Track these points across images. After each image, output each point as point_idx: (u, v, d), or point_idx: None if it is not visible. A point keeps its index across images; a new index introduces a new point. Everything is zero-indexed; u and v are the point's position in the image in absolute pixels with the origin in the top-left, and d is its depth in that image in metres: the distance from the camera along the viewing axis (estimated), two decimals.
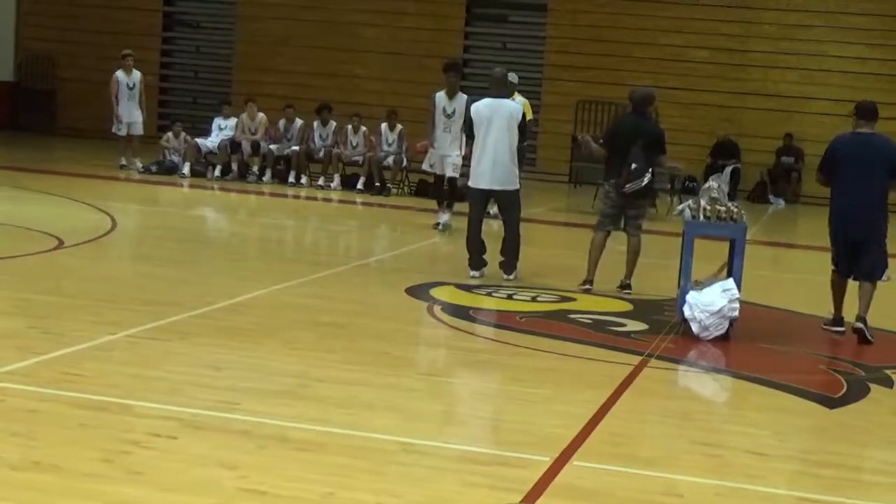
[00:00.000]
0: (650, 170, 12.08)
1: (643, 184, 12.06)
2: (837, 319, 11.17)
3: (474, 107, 12.82)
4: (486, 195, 12.82)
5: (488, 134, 12.57)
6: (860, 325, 10.69)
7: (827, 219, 11.16)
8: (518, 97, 16.18)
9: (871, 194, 10.81)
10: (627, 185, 12.07)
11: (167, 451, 6.32)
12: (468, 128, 12.92)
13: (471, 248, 12.78)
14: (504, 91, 12.99)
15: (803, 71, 25.84)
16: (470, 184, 12.85)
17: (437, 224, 16.34)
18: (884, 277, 10.91)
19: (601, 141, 13.04)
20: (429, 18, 27.37)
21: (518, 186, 12.81)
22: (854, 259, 10.93)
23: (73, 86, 28.73)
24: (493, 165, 12.57)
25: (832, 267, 11.23)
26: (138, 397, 7.26)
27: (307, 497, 5.78)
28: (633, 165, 12.01)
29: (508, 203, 12.81)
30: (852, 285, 11.14)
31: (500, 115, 12.58)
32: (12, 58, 29.67)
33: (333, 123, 21.94)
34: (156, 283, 11.35)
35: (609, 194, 12.42)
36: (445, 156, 16.22)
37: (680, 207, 11.42)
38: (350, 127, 21.68)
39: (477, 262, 12.76)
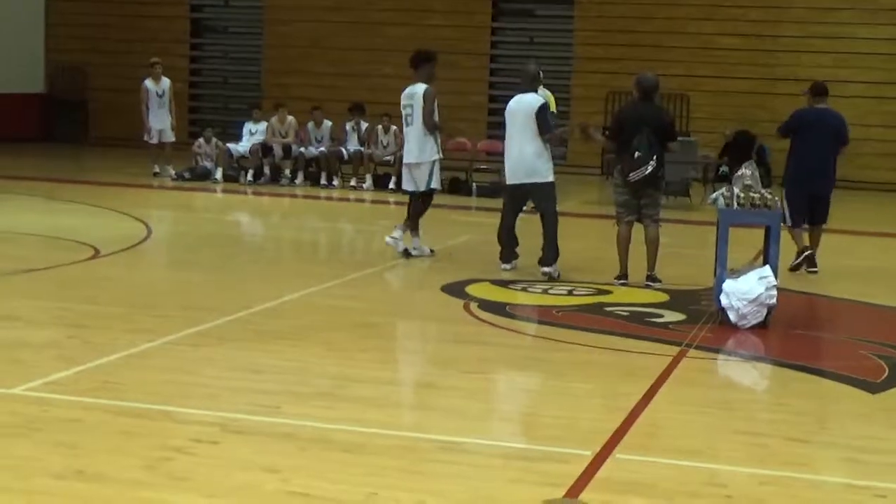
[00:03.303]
0: (654, 157, 11.97)
1: (647, 172, 11.94)
2: (802, 251, 13.52)
3: (507, 104, 12.95)
4: (516, 190, 12.81)
5: (509, 129, 12.76)
6: (812, 253, 13.51)
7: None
8: (541, 90, 16.11)
9: (830, 157, 13.42)
10: (631, 174, 12.00)
11: (209, 457, 6.35)
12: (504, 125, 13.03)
13: (501, 240, 12.87)
14: (530, 86, 12.95)
15: (834, 54, 25.65)
16: (505, 180, 13.01)
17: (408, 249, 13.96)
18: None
19: (606, 132, 13.01)
20: (456, 15, 27.36)
21: (549, 179, 12.71)
22: (813, 208, 13.40)
23: (103, 95, 28.87)
24: (517, 159, 12.65)
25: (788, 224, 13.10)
26: (179, 403, 7.29)
27: (350, 499, 5.79)
28: (637, 154, 11.93)
29: (540, 196, 12.76)
30: None
31: (522, 109, 12.67)
32: (42, 70, 29.85)
33: (366, 123, 21.98)
34: (192, 290, 11.41)
35: (618, 184, 12.37)
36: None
37: (714, 196, 11.37)
38: (380, 127, 21.71)
39: (507, 254, 12.81)
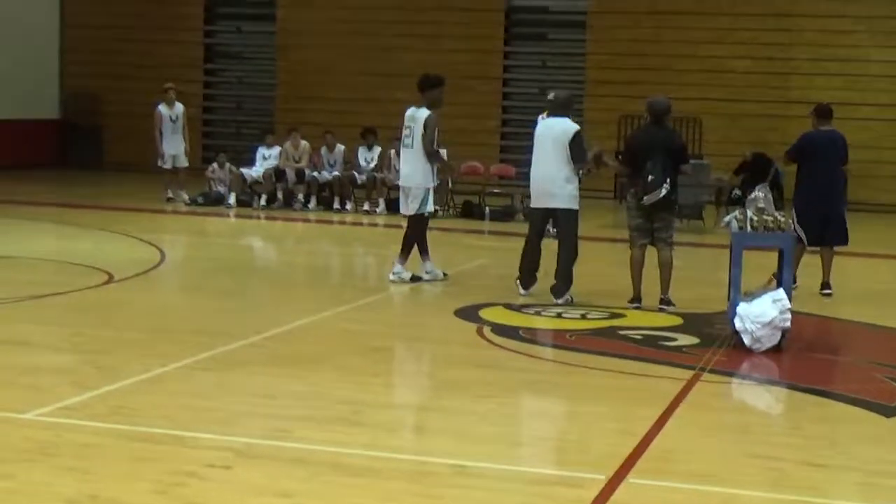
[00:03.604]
0: (668, 180, 11.95)
1: (661, 195, 11.91)
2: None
3: (537, 126, 12.95)
4: (541, 213, 12.76)
5: (539, 153, 12.68)
6: (828, 290, 13.54)
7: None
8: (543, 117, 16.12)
9: (839, 178, 13.62)
10: (645, 198, 11.97)
11: (222, 482, 6.33)
12: (530, 148, 12.99)
13: (522, 264, 12.78)
14: (562, 112, 12.80)
15: (847, 77, 25.63)
16: (531, 204, 13.01)
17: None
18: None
19: (619, 157, 12.98)
20: (468, 40, 27.40)
21: (573, 207, 12.60)
22: (823, 229, 13.38)
23: (118, 121, 28.97)
24: (543, 183, 12.59)
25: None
26: (192, 428, 7.29)
27: None
28: (650, 177, 11.90)
29: (561, 222, 12.68)
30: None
31: (553, 134, 12.56)
32: (57, 95, 29.98)
33: (378, 148, 22.02)
34: (206, 314, 11.41)
35: (631, 207, 12.33)
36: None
37: (727, 219, 11.35)
38: (393, 151, 21.71)
39: (527, 280, 12.71)
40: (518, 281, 12.78)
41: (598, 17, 27.09)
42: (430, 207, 13.66)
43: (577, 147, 12.49)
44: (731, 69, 26.02)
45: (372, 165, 21.83)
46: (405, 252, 13.45)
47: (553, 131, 12.61)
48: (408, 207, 13.51)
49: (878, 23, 25.71)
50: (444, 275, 13.66)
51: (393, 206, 21.14)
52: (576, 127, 12.63)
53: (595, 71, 26.76)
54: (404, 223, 13.66)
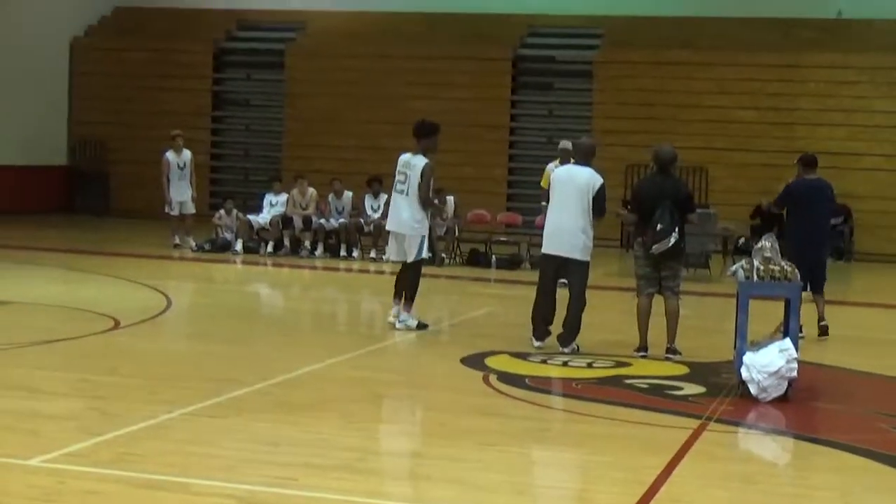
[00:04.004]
0: (676, 229, 11.94)
1: (670, 244, 11.88)
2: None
3: (555, 172, 12.89)
4: (555, 262, 12.53)
5: (561, 200, 12.44)
6: (825, 323, 13.95)
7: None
8: (549, 165, 16.18)
9: (826, 226, 14.17)
10: (654, 246, 11.94)
11: None
12: (547, 194, 12.88)
13: (535, 315, 12.54)
14: (585, 160, 12.62)
15: (851, 127, 25.70)
16: (542, 250, 12.69)
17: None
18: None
19: (628, 206, 12.94)
20: (476, 88, 27.51)
21: (587, 259, 12.49)
22: (814, 276, 13.46)
23: (125, 168, 29.05)
24: (561, 230, 12.39)
25: None
26: (196, 475, 7.25)
27: None
28: (659, 226, 11.88)
29: (573, 273, 12.49)
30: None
31: (577, 182, 12.36)
32: (66, 142, 30.10)
33: (384, 195, 22.03)
34: (212, 361, 11.39)
35: (639, 256, 12.27)
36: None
37: (733, 268, 11.32)
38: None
39: (542, 331, 12.49)
40: (532, 334, 12.54)
41: (604, 66, 27.22)
42: (426, 253, 13.65)
43: (600, 200, 12.37)
44: (737, 119, 26.11)
45: (378, 214, 21.85)
46: (402, 297, 13.42)
47: (577, 180, 12.38)
48: (404, 254, 13.45)
49: (882, 73, 25.82)
50: (424, 326, 13.50)
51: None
52: (601, 179, 12.47)
53: (601, 120, 26.84)
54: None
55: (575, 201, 12.31)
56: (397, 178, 13.48)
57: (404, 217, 13.37)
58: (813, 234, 13.71)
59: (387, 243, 14.16)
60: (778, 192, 14.44)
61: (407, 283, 13.47)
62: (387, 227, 13.72)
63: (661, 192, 12.03)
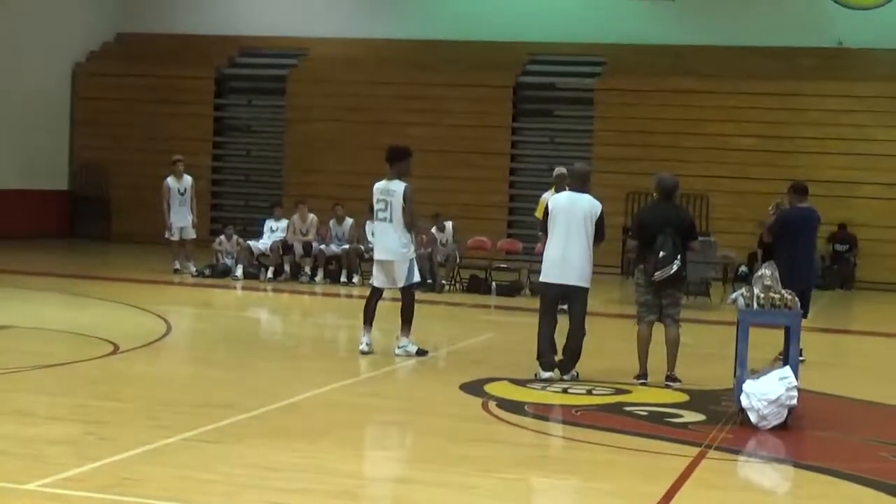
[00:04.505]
0: (678, 257, 11.93)
1: (672, 271, 11.87)
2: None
3: (553, 200, 12.68)
4: (557, 290, 12.44)
5: (565, 228, 12.30)
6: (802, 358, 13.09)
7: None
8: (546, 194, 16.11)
9: (814, 254, 14.52)
10: (656, 274, 11.92)
11: None
12: (543, 222, 12.64)
13: (544, 348, 12.35)
14: (582, 186, 12.57)
15: (851, 156, 25.74)
16: (542, 279, 12.54)
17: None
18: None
19: (629, 233, 12.91)
20: (476, 115, 27.57)
21: (588, 285, 12.44)
22: (802, 303, 12.74)
23: (126, 193, 29.09)
24: (566, 259, 12.27)
25: None
26: (195, 501, 7.22)
27: None
28: (661, 253, 11.87)
29: (575, 300, 12.42)
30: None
31: (580, 210, 12.30)
32: (67, 167, 30.14)
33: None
34: (211, 386, 11.37)
35: (640, 283, 12.25)
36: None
37: (733, 296, 11.31)
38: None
39: (549, 362, 12.33)
40: (540, 365, 12.36)
41: (605, 94, 27.29)
42: (417, 277, 13.64)
43: (602, 225, 12.37)
44: (738, 147, 26.16)
45: None
46: (372, 324, 13.45)
47: (579, 207, 12.32)
48: (393, 281, 13.44)
49: (883, 103, 25.89)
50: (424, 352, 13.45)
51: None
52: (600, 204, 12.47)
53: (602, 147, 26.89)
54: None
55: (579, 229, 12.26)
56: (377, 206, 13.45)
57: (391, 244, 13.35)
58: (802, 261, 13.80)
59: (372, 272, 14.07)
60: (764, 221, 14.52)
61: (403, 311, 13.45)
62: (375, 257, 13.66)
63: (663, 220, 12.03)
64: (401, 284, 13.42)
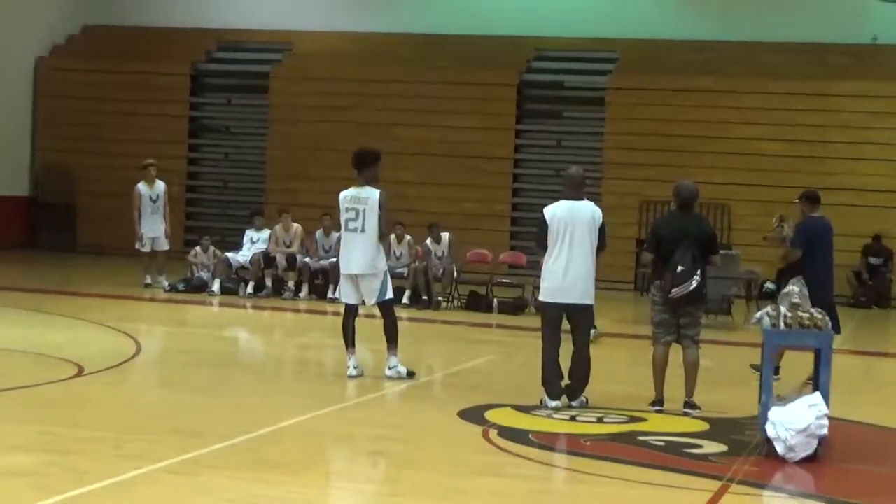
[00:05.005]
0: (698, 272, 11.93)
1: (691, 287, 11.85)
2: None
3: (549, 210, 12.37)
4: (561, 310, 12.31)
5: (568, 241, 12.19)
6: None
7: None
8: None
9: (832, 267, 14.37)
10: (673, 290, 11.90)
11: None
12: (540, 235, 12.42)
13: (550, 373, 12.23)
14: (582, 193, 12.49)
15: (889, 162, 25.77)
16: (544, 298, 12.43)
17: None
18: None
19: (645, 246, 12.90)
20: (477, 116, 27.60)
21: (593, 302, 12.43)
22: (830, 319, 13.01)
23: (93, 200, 29.11)
24: (573, 277, 12.16)
25: None
26: None
27: None
28: (679, 268, 11.86)
29: (581, 320, 12.37)
30: None
31: (581, 220, 12.23)
32: (28, 171, 30.14)
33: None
34: (185, 412, 11.36)
35: (656, 301, 12.23)
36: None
37: (758, 315, 11.31)
38: (393, 236, 21.74)
39: (557, 389, 12.23)
40: (546, 393, 12.28)
41: (618, 93, 27.32)
42: (391, 292, 13.65)
43: (604, 233, 12.38)
44: (763, 152, 26.18)
45: None
46: (355, 346, 13.48)
47: (580, 216, 12.24)
48: (367, 297, 13.48)
49: None
50: (412, 374, 13.47)
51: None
52: (600, 212, 12.49)
53: (614, 152, 26.92)
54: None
55: (582, 240, 12.20)
56: (346, 216, 13.44)
57: (364, 257, 13.36)
58: (825, 276, 13.91)
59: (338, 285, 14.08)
60: (774, 236, 14.61)
61: (386, 330, 13.47)
62: (343, 271, 13.65)
63: (682, 231, 12.03)
64: (371, 301, 13.45)
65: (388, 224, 13.40)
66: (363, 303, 13.62)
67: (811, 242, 14.13)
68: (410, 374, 13.44)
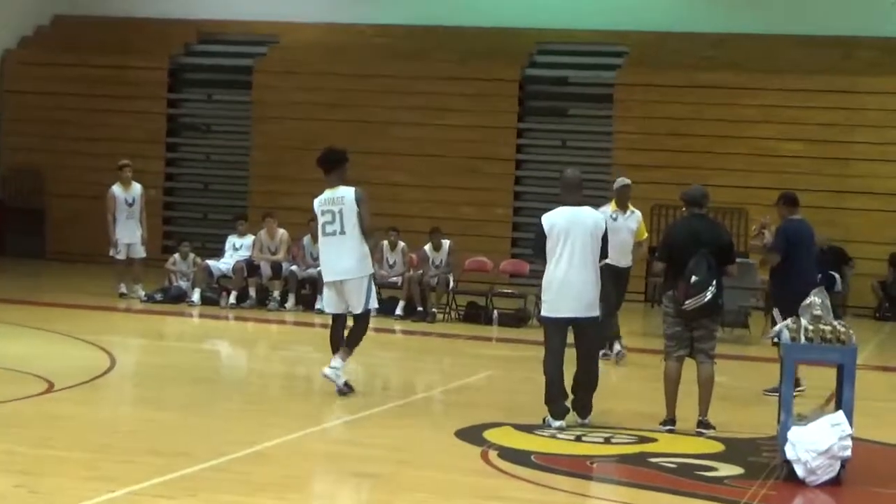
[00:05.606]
0: (714, 282, 11.94)
1: (706, 299, 11.86)
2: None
3: (548, 218, 12.32)
4: (565, 324, 12.30)
5: (569, 251, 12.15)
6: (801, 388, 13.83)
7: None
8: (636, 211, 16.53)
9: (815, 272, 14.89)
10: (687, 302, 11.91)
11: None
12: (538, 245, 12.40)
13: (554, 391, 12.24)
14: (581, 197, 12.48)
15: None
16: (546, 313, 12.39)
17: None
18: None
19: (656, 254, 12.93)
20: (476, 114, 27.59)
21: (599, 313, 12.46)
22: None
23: (64, 203, 29.07)
24: (577, 289, 12.14)
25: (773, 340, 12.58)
26: None
27: None
28: (693, 278, 11.87)
29: (589, 333, 12.35)
30: None
31: (583, 227, 12.21)
32: None
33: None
34: (162, 431, 11.37)
35: (668, 312, 12.25)
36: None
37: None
38: (386, 243, 21.77)
39: (562, 408, 12.24)
40: (550, 413, 12.30)
41: (628, 89, 27.32)
42: (374, 302, 13.71)
43: (605, 243, 12.40)
44: (783, 152, 26.17)
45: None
46: (349, 350, 13.48)
47: (581, 223, 12.21)
48: (346, 304, 13.49)
49: None
50: (349, 389, 13.47)
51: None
52: (603, 216, 12.58)
53: (623, 152, 26.91)
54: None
55: (584, 249, 12.17)
56: (323, 219, 13.53)
57: (344, 260, 13.40)
58: (812, 279, 14.01)
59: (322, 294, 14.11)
60: (757, 243, 14.73)
61: (352, 334, 13.51)
62: (325, 279, 13.68)
63: (696, 238, 12.05)
64: (358, 311, 13.48)
65: (370, 220, 13.39)
66: (346, 312, 13.62)
67: (791, 246, 14.39)
68: (348, 387, 13.38)
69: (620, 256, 16.30)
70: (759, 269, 15.28)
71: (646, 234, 17.43)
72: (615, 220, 16.40)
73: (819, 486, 10.15)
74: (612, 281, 16.25)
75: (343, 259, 13.41)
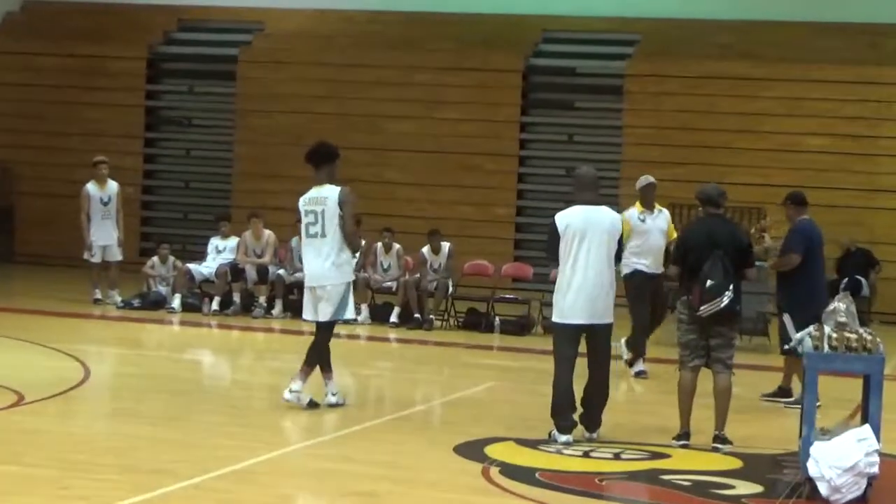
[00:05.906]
0: (731, 287, 11.94)
1: (722, 304, 11.86)
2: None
3: (562, 217, 12.29)
4: (577, 331, 12.29)
5: (584, 253, 12.13)
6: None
7: None
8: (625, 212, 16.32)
9: (824, 273, 15.17)
10: (703, 308, 11.91)
11: None
12: (551, 246, 12.34)
13: (563, 403, 12.23)
14: (596, 195, 12.43)
15: None
16: (558, 319, 12.35)
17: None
18: None
19: (670, 257, 12.93)
20: (476, 107, 27.59)
21: (613, 320, 12.44)
22: None
23: (34, 202, 29.09)
24: (592, 293, 12.12)
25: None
26: None
27: None
28: (709, 282, 11.88)
29: (602, 340, 12.33)
30: None
31: (599, 228, 12.20)
32: None
33: (362, 242, 22.05)
34: (139, 447, 11.36)
35: (683, 319, 12.26)
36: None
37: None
38: (380, 245, 21.77)
39: (569, 422, 12.23)
40: (556, 427, 12.27)
41: (639, 81, 27.33)
42: (350, 313, 13.68)
43: (621, 245, 12.44)
44: (804, 148, 26.18)
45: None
46: (309, 366, 13.41)
47: (597, 223, 12.19)
48: (317, 312, 13.49)
49: None
50: (315, 405, 13.42)
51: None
52: (620, 218, 12.62)
53: (634, 147, 26.93)
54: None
55: (599, 251, 12.15)
56: (305, 220, 13.50)
57: (325, 264, 13.37)
58: (821, 283, 14.40)
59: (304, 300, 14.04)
60: (765, 245, 14.78)
61: (311, 347, 13.50)
62: (306, 284, 13.67)
63: (713, 240, 12.05)
64: (323, 319, 13.45)
65: (353, 224, 13.37)
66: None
67: (807, 248, 14.57)
68: (313, 404, 13.33)
69: (654, 262, 16.25)
70: (775, 266, 15.07)
71: (675, 235, 17.05)
72: (643, 221, 16.33)
73: None
74: (651, 291, 16.27)
75: (320, 263, 13.39)
